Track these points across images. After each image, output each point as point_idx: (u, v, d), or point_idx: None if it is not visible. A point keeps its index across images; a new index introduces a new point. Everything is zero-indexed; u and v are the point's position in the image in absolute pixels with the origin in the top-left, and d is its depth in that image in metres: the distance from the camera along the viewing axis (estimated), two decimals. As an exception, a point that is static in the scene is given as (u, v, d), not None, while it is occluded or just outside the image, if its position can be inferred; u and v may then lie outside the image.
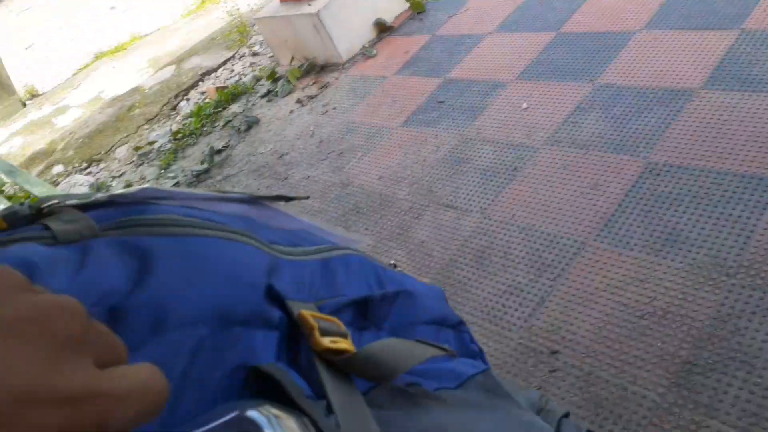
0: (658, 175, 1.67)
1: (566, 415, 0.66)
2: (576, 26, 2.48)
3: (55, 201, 0.35)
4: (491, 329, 1.57)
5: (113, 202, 0.37)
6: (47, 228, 0.33)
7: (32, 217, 0.35)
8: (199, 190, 0.42)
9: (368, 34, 3.30)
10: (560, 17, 2.58)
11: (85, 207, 0.36)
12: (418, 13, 3.31)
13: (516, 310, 1.58)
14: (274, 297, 0.36)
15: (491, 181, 2.00)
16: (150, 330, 0.30)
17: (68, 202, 0.36)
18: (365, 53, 3.23)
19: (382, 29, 3.31)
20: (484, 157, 2.11)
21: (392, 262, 1.93)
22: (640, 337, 1.38)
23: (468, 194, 2.01)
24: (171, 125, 3.65)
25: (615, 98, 2.02)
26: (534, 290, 1.60)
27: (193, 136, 3.37)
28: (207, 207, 0.40)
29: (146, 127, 3.80)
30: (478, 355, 0.53)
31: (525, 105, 2.23)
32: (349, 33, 3.24)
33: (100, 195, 0.37)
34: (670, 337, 1.34)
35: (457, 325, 0.52)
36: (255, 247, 0.38)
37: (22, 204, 0.35)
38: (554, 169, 1.90)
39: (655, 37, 2.19)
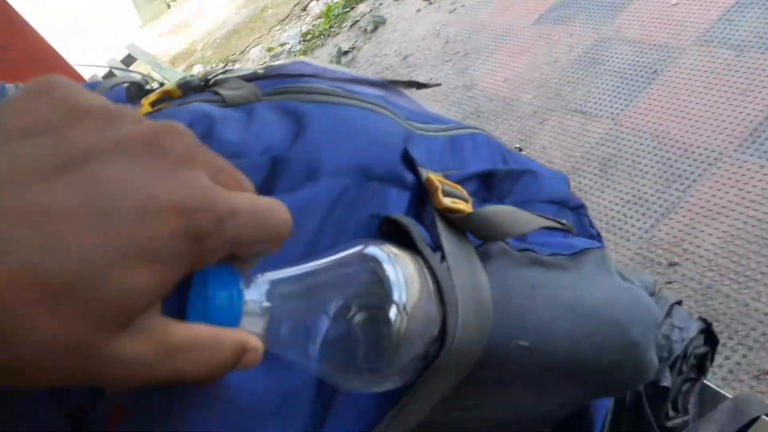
0: (824, 79, 1.52)
1: (679, 303, 0.69)
2: None
3: (221, 73, 0.42)
4: (609, 239, 1.59)
5: (270, 75, 0.43)
6: (217, 93, 0.40)
7: (202, 86, 0.41)
8: (342, 69, 0.47)
9: None
10: None
11: (248, 79, 0.42)
12: None
13: (638, 220, 1.58)
14: (408, 162, 0.40)
15: (627, 85, 1.92)
16: (304, 177, 0.35)
17: (233, 74, 0.42)
18: (500, -55, 3.08)
19: None
20: (622, 59, 2.02)
21: (517, 146, 1.97)
22: (772, 253, 1.33)
23: (599, 99, 1.95)
24: (301, 26, 3.80)
25: (785, -10, 1.81)
26: (660, 201, 1.58)
27: (322, 37, 3.50)
28: (348, 86, 0.45)
29: (278, 28, 3.99)
30: (596, 238, 0.56)
31: (675, 0, 2.06)
32: None
33: (258, 69, 0.43)
34: (807, 255, 1.29)
35: (578, 208, 0.54)
36: (393, 119, 0.43)
37: (192, 76, 0.42)
38: (700, 73, 1.78)
39: None
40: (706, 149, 1.60)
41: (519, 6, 2.62)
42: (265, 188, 0.35)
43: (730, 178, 1.51)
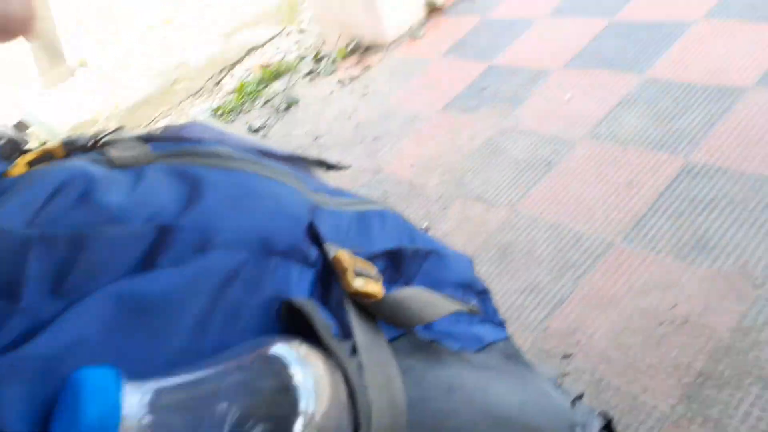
0: (696, 176, 1.67)
1: (580, 397, 0.72)
2: (631, 14, 2.46)
3: (113, 133, 0.40)
4: (507, 329, 1.62)
5: (167, 136, 0.41)
6: (104, 155, 0.37)
7: (91, 146, 0.39)
8: (249, 138, 0.46)
9: (418, 14, 3.35)
10: (615, 3, 2.56)
11: (143, 140, 0.40)
12: (470, -7, 3.34)
13: (534, 310, 1.62)
14: (313, 236, 0.39)
15: (524, 174, 2.03)
16: (194, 249, 0.33)
17: (126, 134, 0.40)
18: (413, 34, 3.28)
19: (432, 9, 3.35)
20: (520, 149, 2.14)
21: (426, 224, 2.01)
22: (657, 345, 1.40)
23: (499, 187, 2.05)
24: (213, 101, 3.82)
25: (662, 93, 2.01)
26: (554, 290, 1.64)
27: (233, 113, 3.53)
28: (253, 154, 0.44)
29: (188, 101, 4.00)
30: (500, 325, 0.56)
31: (568, 96, 2.25)
32: (398, 12, 3.30)
33: (154, 129, 0.42)
34: (687, 347, 1.36)
35: (483, 293, 0.55)
36: (299, 190, 0.41)
37: (81, 135, 0.40)
38: (590, 165, 1.92)
39: (713, 28, 2.15)
40: (596, 239, 1.70)
41: (427, 94, 2.76)
42: (147, 261, 0.31)
43: (618, 268, 1.60)
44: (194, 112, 3.77)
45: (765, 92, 1.82)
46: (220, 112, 3.60)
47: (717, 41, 2.10)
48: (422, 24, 3.31)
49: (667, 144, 1.83)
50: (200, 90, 4.06)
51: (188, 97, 4.04)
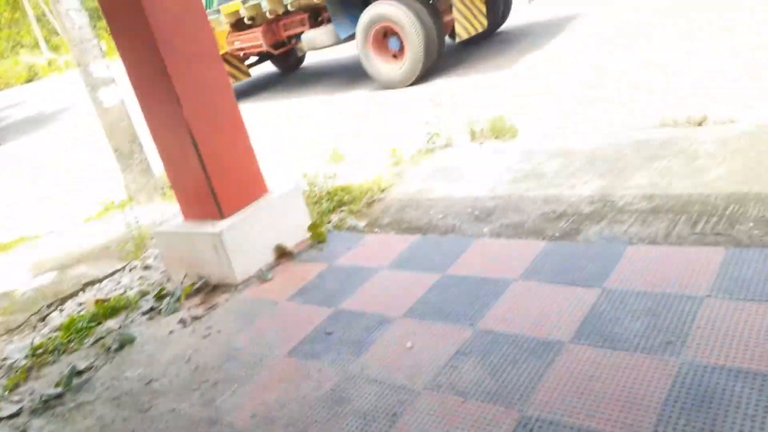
0: (531, 430, 1.70)
1: None
2: (460, 269, 2.71)
3: None
4: None
5: None
6: None
7: None
8: None
9: (267, 257, 3.42)
10: (446, 260, 2.82)
11: None
12: (318, 242, 3.51)
13: None
14: None
15: (370, 427, 1.94)
16: None
17: None
18: (261, 276, 3.30)
19: (282, 254, 3.45)
20: (365, 399, 2.08)
21: None
22: None
23: (344, 441, 1.93)
24: (34, 338, 3.41)
25: (493, 345, 2.13)
26: None
27: (56, 352, 3.15)
28: None
29: (4, 337, 3.53)
30: None
31: (409, 344, 2.30)
32: (248, 255, 3.34)
33: None
34: None
35: None
36: None
37: None
38: (433, 418, 1.89)
39: (529, 288, 2.41)
40: (443, 501, 1.60)
41: (272, 337, 2.69)
42: None
43: None
44: (8, 351, 3.31)
45: (581, 347, 2.00)
46: (40, 350, 3.19)
47: (534, 299, 2.34)
48: (271, 267, 3.37)
49: (502, 396, 1.88)
50: (21, 325, 3.63)
51: (5, 333, 3.57)
